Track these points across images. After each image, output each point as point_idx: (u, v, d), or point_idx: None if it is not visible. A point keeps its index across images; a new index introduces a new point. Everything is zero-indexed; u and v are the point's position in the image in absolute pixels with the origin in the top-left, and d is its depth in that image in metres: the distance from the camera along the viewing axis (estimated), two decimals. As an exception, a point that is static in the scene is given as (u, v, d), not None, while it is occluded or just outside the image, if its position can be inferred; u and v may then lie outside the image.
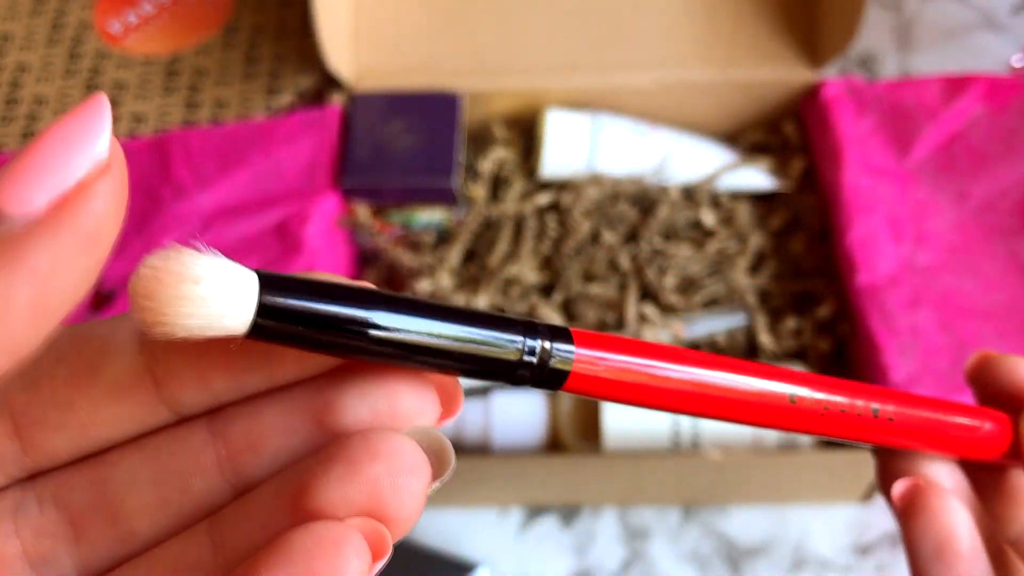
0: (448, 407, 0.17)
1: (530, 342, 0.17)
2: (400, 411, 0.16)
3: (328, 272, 0.16)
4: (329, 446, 0.15)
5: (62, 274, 0.13)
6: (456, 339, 0.16)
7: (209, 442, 0.16)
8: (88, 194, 0.13)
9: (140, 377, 0.16)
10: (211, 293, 0.14)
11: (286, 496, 0.15)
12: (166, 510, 0.16)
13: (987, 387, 0.25)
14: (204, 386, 0.16)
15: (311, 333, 0.15)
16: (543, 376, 0.17)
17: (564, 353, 0.17)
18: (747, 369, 0.19)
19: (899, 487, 0.24)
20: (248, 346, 0.15)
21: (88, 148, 0.13)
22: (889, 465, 0.25)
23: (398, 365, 0.16)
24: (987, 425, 0.24)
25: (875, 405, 0.21)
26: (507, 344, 0.16)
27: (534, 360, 0.17)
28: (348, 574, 0.13)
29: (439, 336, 0.16)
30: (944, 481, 0.24)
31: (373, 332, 0.15)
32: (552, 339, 0.17)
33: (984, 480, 0.25)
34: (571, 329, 0.18)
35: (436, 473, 0.16)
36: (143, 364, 0.16)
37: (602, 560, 0.47)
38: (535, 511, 0.48)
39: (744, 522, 0.48)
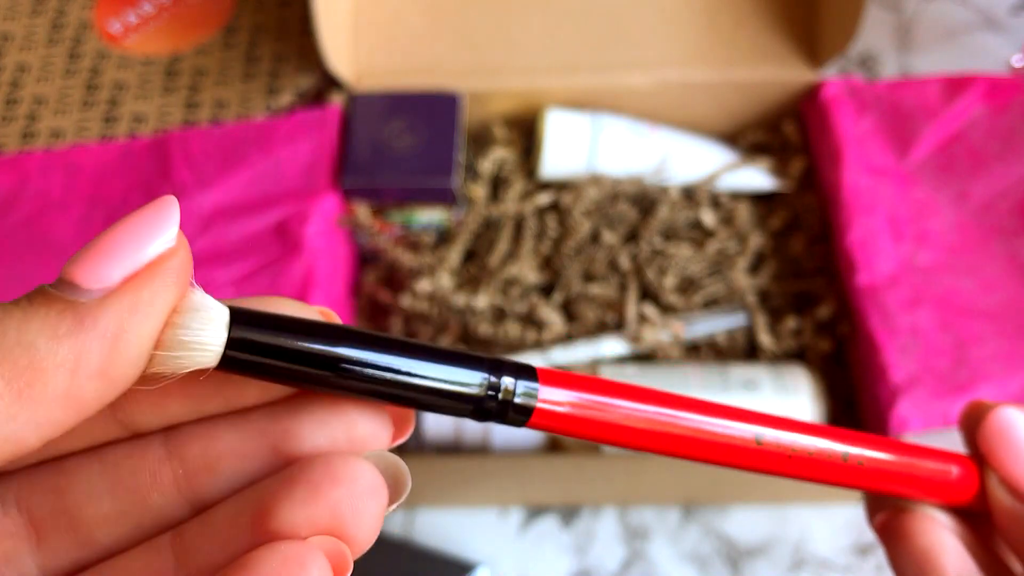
0: (400, 429, 0.18)
1: (494, 379, 0.17)
2: (357, 438, 0.17)
3: (299, 302, 0.17)
4: (291, 469, 0.16)
5: (129, 340, 0.14)
6: (422, 376, 0.16)
7: (165, 460, 0.17)
8: (156, 271, 0.14)
9: None
10: (185, 335, 0.15)
11: (248, 516, 0.15)
12: (125, 521, 0.16)
13: (970, 434, 0.25)
14: (160, 411, 0.17)
15: (279, 367, 0.15)
16: (507, 413, 0.17)
17: (529, 390, 0.18)
18: (713, 410, 0.20)
19: (879, 517, 0.24)
20: (209, 375, 0.16)
21: (158, 239, 0.15)
22: (876, 497, 0.25)
23: (362, 399, 0.17)
24: (954, 470, 0.23)
25: (844, 450, 0.21)
26: (471, 381, 0.17)
27: (498, 396, 0.17)
28: None
29: (405, 373, 0.16)
30: (932, 514, 0.24)
31: (341, 367, 0.16)
32: (517, 376, 0.17)
33: (980, 523, 0.25)
34: (536, 368, 0.18)
35: (393, 496, 0.16)
36: None
37: (602, 560, 0.47)
38: (535, 511, 0.48)
39: (744, 522, 0.48)
